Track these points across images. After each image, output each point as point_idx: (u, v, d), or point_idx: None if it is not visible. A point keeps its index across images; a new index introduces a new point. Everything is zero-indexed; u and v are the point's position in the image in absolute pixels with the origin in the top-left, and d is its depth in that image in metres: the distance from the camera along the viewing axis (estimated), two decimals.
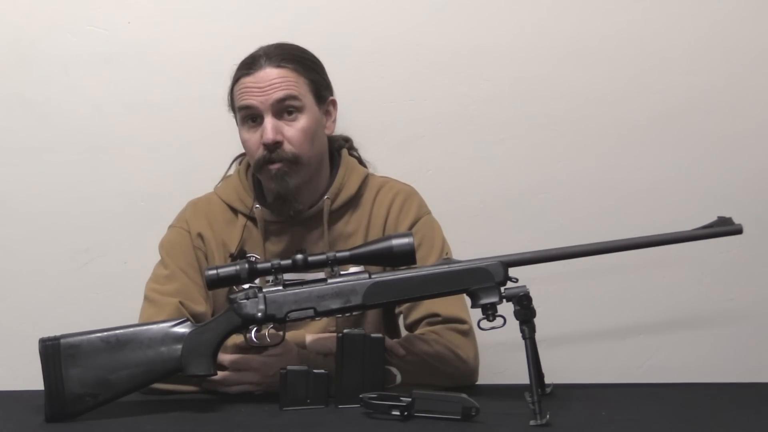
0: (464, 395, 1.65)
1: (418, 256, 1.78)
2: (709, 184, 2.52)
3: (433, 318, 1.98)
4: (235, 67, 2.03)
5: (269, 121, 1.96)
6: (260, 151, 1.98)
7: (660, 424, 1.67)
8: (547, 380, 1.86)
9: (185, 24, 2.47)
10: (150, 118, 2.47)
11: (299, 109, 1.99)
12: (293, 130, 1.98)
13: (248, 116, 1.99)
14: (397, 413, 1.65)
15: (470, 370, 1.95)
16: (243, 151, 2.12)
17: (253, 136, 1.99)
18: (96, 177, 2.47)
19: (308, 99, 2.01)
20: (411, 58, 2.49)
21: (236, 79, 2.02)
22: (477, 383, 1.97)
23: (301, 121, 1.99)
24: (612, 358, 2.53)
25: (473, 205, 2.51)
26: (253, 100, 1.97)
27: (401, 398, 1.67)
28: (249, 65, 2.00)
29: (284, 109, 1.98)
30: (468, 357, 1.94)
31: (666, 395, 1.88)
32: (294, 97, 1.98)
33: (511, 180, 2.52)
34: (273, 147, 1.96)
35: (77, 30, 2.46)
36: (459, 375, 1.93)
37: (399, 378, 1.87)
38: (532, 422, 1.59)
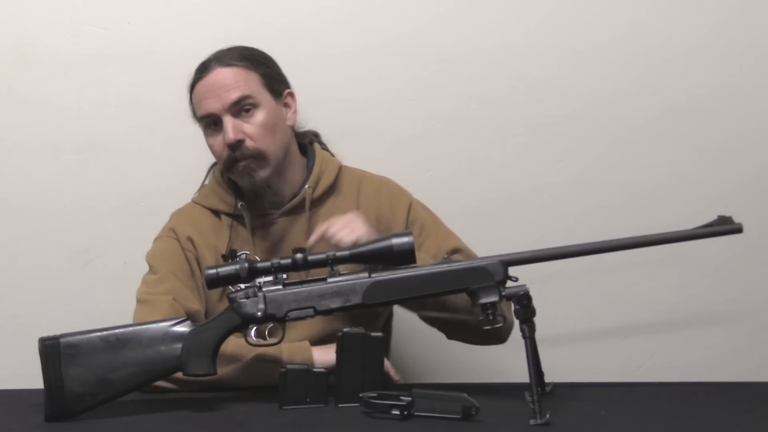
0: (464, 395, 1.65)
1: (431, 233, 1.91)
2: (709, 184, 2.52)
3: None
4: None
5: (228, 122, 2.00)
6: (226, 152, 2.02)
7: (660, 424, 1.67)
8: (547, 380, 1.86)
9: (185, 24, 2.47)
10: (150, 118, 2.47)
11: (255, 105, 2.02)
12: (252, 126, 2.01)
13: (210, 122, 2.03)
14: (397, 413, 1.65)
15: (511, 324, 1.92)
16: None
17: (217, 140, 2.03)
18: (96, 177, 2.47)
19: (262, 94, 2.04)
20: (411, 58, 2.49)
21: (191, 87, 2.06)
22: (477, 382, 1.97)
23: (259, 116, 2.02)
24: (612, 358, 2.53)
25: (473, 205, 2.51)
26: (210, 106, 2.01)
27: (401, 397, 1.66)
28: (201, 70, 2.05)
29: (241, 107, 2.01)
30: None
31: (666, 395, 1.88)
32: (248, 96, 2.01)
33: (511, 180, 2.52)
34: (236, 146, 2.00)
35: (77, 30, 2.46)
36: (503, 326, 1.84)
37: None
38: (532, 422, 1.59)
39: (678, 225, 1.81)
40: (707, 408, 1.81)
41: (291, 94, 2.12)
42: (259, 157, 2.01)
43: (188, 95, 2.08)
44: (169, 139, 2.47)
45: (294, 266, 1.76)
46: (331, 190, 2.11)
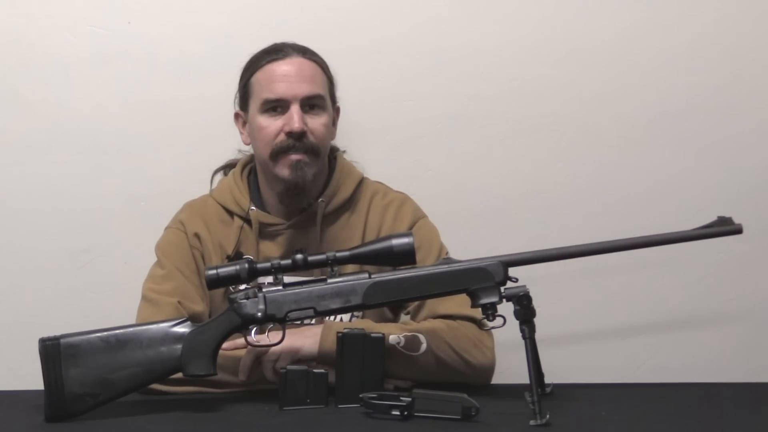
0: (464, 395, 1.65)
1: (417, 259, 1.77)
2: (709, 184, 2.52)
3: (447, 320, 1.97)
4: (247, 59, 2.08)
5: (296, 110, 2.00)
6: (280, 138, 2.01)
7: (660, 424, 1.67)
8: (547, 380, 1.86)
9: (185, 24, 2.47)
10: (150, 118, 2.47)
11: (322, 108, 2.04)
12: (317, 124, 2.02)
13: (271, 106, 2.02)
14: (397, 413, 1.65)
15: (491, 363, 1.94)
16: (225, 162, 2.18)
17: (275, 123, 2.02)
18: (96, 177, 2.47)
19: (328, 98, 2.07)
20: (411, 58, 2.49)
21: (260, 66, 2.04)
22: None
23: (323, 117, 2.04)
24: (612, 358, 2.53)
25: (473, 205, 2.51)
26: (284, 91, 2.00)
27: (401, 398, 1.67)
28: (275, 52, 2.05)
29: (310, 104, 2.02)
30: (490, 349, 1.93)
31: (666, 395, 1.88)
32: (322, 96, 2.03)
33: (511, 180, 2.52)
34: (299, 136, 1.99)
35: (77, 30, 2.46)
36: (480, 366, 1.92)
37: (425, 347, 1.87)
38: (532, 422, 1.59)
39: (678, 225, 1.82)
40: (707, 408, 1.81)
41: (338, 109, 2.14)
42: (315, 153, 2.02)
43: (248, 72, 2.07)
44: (170, 139, 2.47)
45: (294, 267, 1.76)
46: (347, 205, 2.09)
